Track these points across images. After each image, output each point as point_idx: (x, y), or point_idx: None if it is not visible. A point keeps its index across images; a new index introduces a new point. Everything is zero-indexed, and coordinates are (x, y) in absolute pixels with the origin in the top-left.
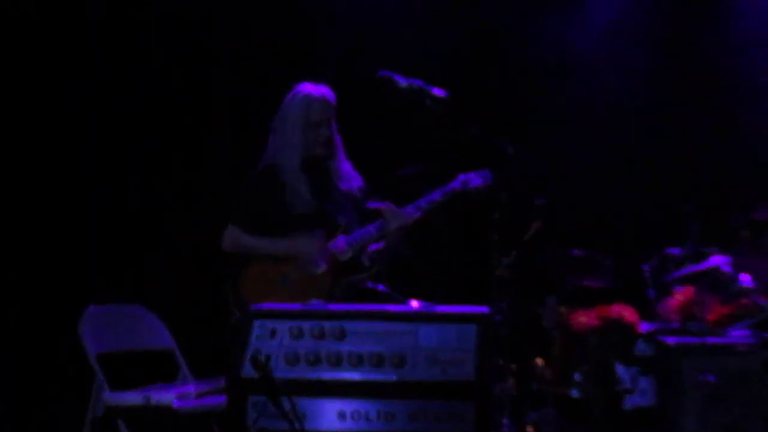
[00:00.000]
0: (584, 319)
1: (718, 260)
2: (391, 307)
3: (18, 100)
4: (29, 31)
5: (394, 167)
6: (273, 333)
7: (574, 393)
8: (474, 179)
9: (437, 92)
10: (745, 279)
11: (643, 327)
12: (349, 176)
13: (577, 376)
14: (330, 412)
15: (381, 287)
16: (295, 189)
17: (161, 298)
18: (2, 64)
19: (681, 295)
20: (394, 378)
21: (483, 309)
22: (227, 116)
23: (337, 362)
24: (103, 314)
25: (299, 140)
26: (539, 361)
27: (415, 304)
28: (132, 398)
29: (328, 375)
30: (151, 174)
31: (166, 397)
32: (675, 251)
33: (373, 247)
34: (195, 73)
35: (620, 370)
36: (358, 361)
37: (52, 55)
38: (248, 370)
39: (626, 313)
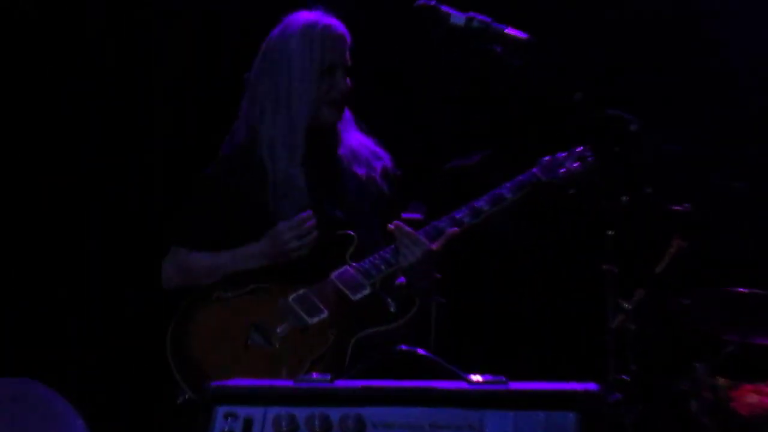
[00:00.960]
0: (755, 398)
1: None
2: (438, 385)
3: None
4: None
5: (443, 153)
6: (247, 426)
7: None
8: (566, 162)
9: (515, 34)
10: None
11: None
12: (369, 155)
13: None
14: None
15: (420, 351)
16: (286, 182)
17: (66, 367)
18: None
19: None
20: None
21: (589, 386)
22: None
23: None
24: None
25: (306, 99)
26: None
27: (476, 378)
28: None
29: None
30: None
31: None
32: None
33: (402, 280)
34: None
35: None
36: None
37: (52, 55)
38: None
39: None
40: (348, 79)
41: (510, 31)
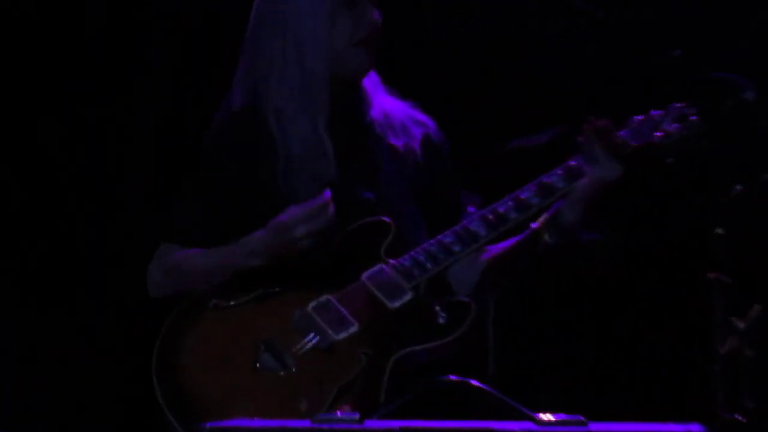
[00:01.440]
0: None
1: None
2: (498, 426)
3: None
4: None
5: (504, 128)
6: None
7: None
8: (664, 123)
9: None
10: None
11: None
12: (407, 121)
13: None
14: None
15: (474, 382)
16: (303, 153)
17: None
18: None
19: None
20: None
21: (693, 428)
22: None
23: None
24: None
25: (324, 40)
26: None
27: (547, 417)
28: None
29: None
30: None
31: None
32: None
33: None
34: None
35: None
36: None
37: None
38: None
39: None
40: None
41: None
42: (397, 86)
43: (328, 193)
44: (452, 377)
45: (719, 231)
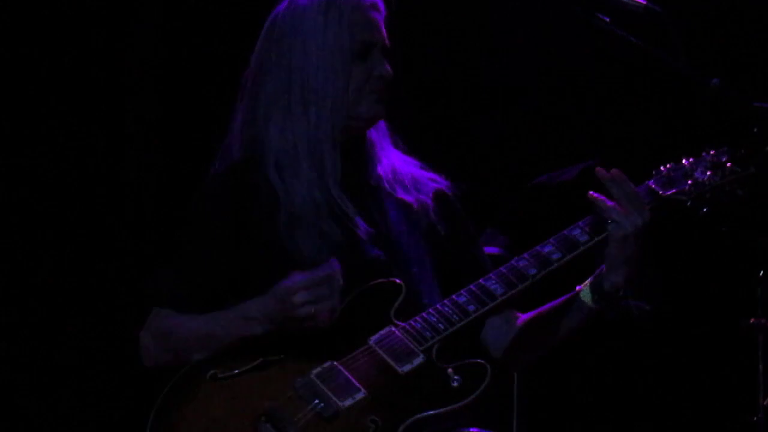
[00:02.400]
0: None
1: None
2: None
3: None
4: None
5: (529, 163)
6: None
7: None
8: (696, 172)
9: (631, 1)
10: None
11: None
12: (417, 176)
13: None
14: None
15: None
16: (305, 211)
17: None
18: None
19: None
20: None
21: None
22: None
23: None
24: None
25: (334, 93)
26: None
27: None
28: None
29: None
30: None
31: None
32: None
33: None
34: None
35: None
36: None
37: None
38: None
39: None
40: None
41: None
42: (416, 128)
43: (336, 263)
44: None
45: (762, 274)
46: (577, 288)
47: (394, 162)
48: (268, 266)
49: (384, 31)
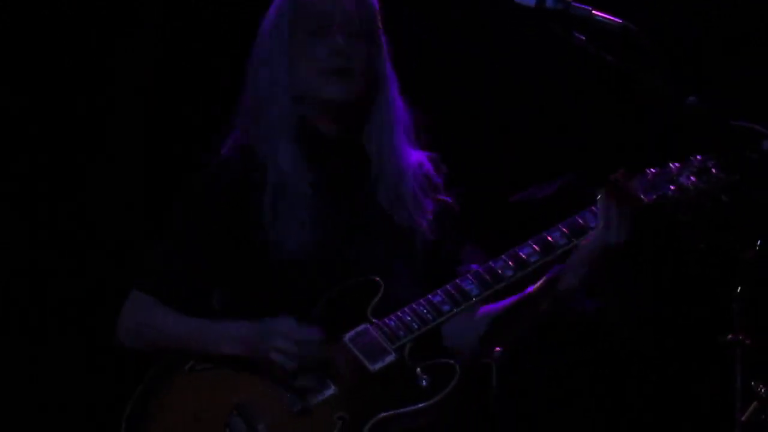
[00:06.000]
0: None
1: None
2: None
3: None
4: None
5: (508, 178)
6: None
7: None
8: (681, 177)
9: (605, 18)
10: None
11: None
12: (407, 164)
13: None
14: None
15: None
16: (293, 204)
17: None
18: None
19: None
20: None
21: None
22: None
23: None
24: None
25: (294, 69)
26: None
27: None
28: None
29: None
30: None
31: None
32: None
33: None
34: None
35: None
36: None
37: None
38: None
39: None
40: (373, 47)
41: (598, 14)
42: None
43: (321, 332)
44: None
45: (739, 290)
46: (529, 289)
47: (398, 169)
48: (252, 257)
49: (362, 15)
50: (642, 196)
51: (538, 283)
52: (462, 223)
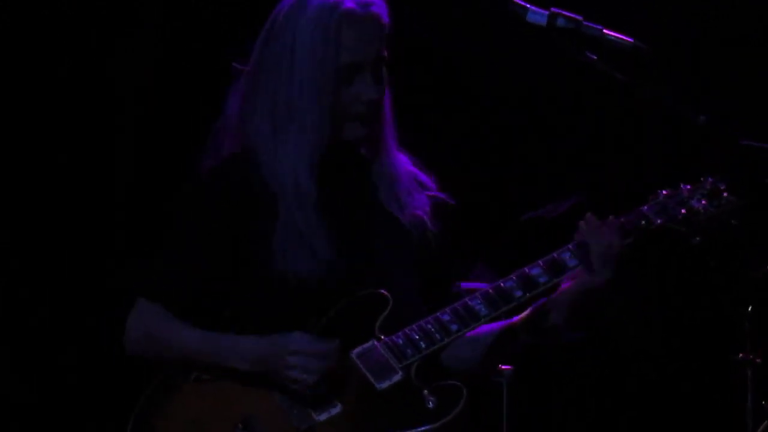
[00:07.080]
0: None
1: None
2: None
3: None
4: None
5: (519, 198)
6: None
7: None
8: (692, 199)
9: (616, 37)
10: None
11: None
12: (410, 184)
13: None
14: None
15: None
16: (300, 220)
17: None
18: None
19: None
20: None
21: None
22: None
23: None
24: None
25: (314, 115)
26: None
27: None
28: None
29: None
30: None
31: None
32: None
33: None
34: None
35: None
36: None
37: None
38: None
39: None
40: (382, 78)
41: (610, 33)
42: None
43: (336, 344)
44: None
45: (749, 310)
46: (514, 319)
47: (389, 168)
48: (256, 264)
49: (381, 45)
50: (619, 240)
51: (523, 315)
52: (460, 217)
